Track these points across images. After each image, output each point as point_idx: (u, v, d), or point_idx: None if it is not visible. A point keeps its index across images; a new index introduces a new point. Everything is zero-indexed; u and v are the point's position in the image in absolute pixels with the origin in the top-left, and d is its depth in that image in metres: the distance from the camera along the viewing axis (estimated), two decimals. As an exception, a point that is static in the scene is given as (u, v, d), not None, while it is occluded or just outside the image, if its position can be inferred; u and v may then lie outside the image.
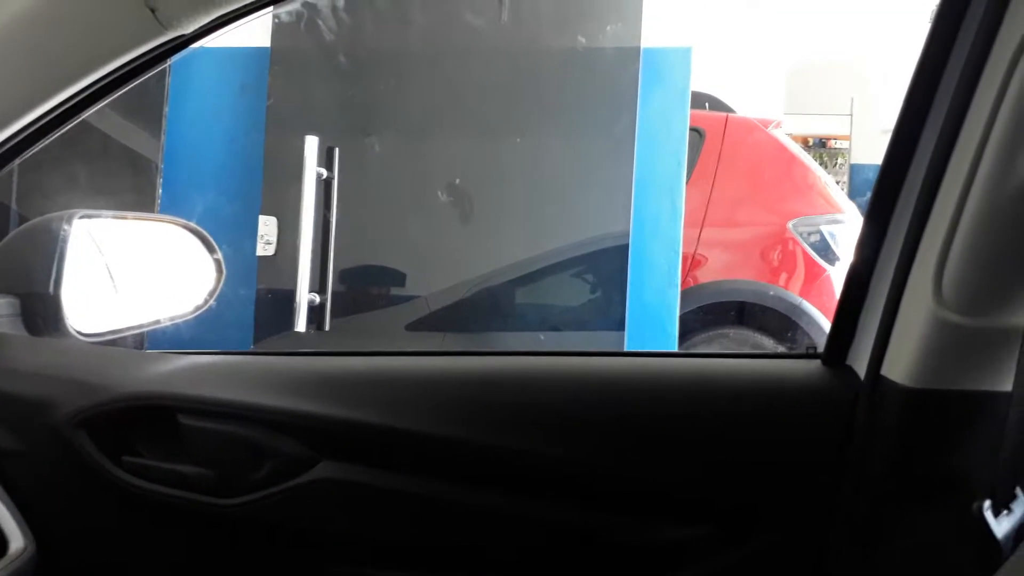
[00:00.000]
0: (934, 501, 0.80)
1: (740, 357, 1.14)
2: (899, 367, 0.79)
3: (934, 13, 0.76)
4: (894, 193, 0.82)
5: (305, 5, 2.88)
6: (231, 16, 0.76)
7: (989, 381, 0.76)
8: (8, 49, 0.74)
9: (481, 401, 0.91)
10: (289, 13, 2.88)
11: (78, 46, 0.75)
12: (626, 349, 2.90)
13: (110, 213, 1.23)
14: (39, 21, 0.72)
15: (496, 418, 0.89)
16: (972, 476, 0.77)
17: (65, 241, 1.08)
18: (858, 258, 0.86)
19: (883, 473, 0.82)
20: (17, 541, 0.83)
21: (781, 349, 3.86)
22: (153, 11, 0.73)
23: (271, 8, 0.78)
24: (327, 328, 2.72)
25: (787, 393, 0.88)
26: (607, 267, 2.93)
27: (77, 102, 0.80)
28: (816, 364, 0.90)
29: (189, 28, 0.76)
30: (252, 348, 2.98)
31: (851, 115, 9.04)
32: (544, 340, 2.97)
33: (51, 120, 0.81)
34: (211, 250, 1.30)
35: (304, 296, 2.64)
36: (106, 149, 3.16)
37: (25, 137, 0.82)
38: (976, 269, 0.73)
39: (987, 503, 0.67)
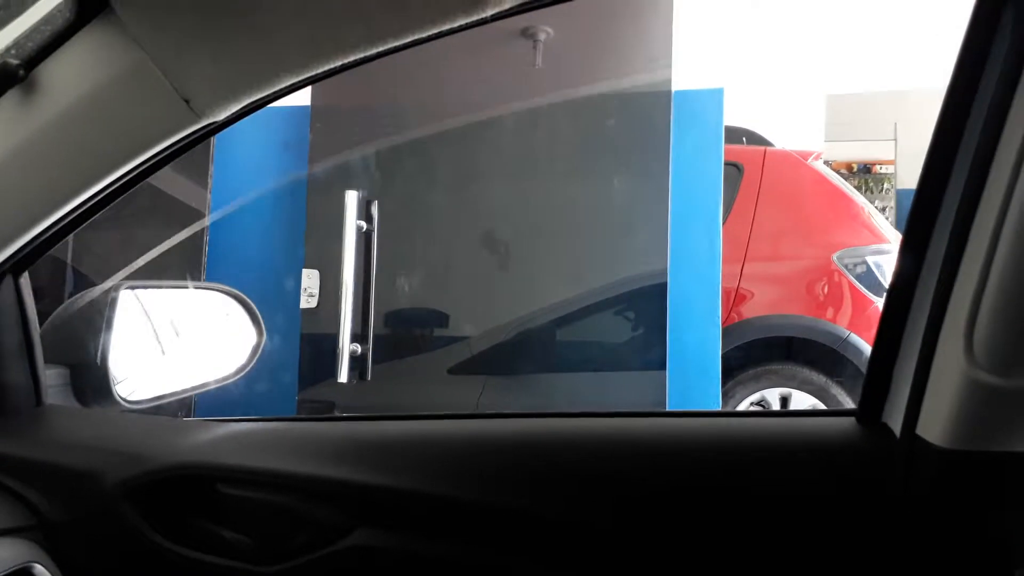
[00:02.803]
0: (973, 567, 0.78)
1: (772, 416, 1.12)
2: (934, 427, 0.77)
3: (957, 59, 0.75)
4: (923, 245, 0.81)
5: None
6: (261, 102, 0.80)
7: None
8: (53, 142, 0.78)
9: (512, 464, 0.91)
10: (327, 72, 2.97)
11: (119, 137, 0.78)
12: (668, 387, 2.87)
13: (155, 283, 1.28)
14: (82, 117, 0.76)
15: (528, 481, 0.89)
16: (1012, 541, 0.75)
17: (112, 312, 1.13)
18: (889, 311, 0.85)
19: (919, 537, 0.79)
20: (65, 612, 0.85)
21: (831, 383, 3.78)
22: (187, 102, 0.76)
23: (298, 90, 0.82)
24: (369, 377, 2.75)
25: (821, 453, 0.86)
26: (646, 307, 2.92)
27: (118, 187, 0.84)
28: (851, 422, 0.88)
29: (221, 116, 0.79)
30: (297, 396, 3.03)
31: (895, 139, 8.91)
32: (585, 381, 2.95)
33: (94, 204, 0.85)
34: (251, 313, 1.34)
35: (346, 347, 2.68)
36: (156, 205, 3.27)
37: (69, 222, 0.86)
38: (1007, 327, 0.71)
39: (1030, 570, 0.65)
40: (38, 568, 0.84)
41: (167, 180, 3.29)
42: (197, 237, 3.21)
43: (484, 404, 2.97)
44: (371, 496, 0.91)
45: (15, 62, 0.74)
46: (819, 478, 0.85)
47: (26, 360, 1.00)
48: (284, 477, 0.92)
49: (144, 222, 3.29)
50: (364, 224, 2.73)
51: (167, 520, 0.93)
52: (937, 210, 0.79)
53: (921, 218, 0.80)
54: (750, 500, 0.85)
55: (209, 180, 3.21)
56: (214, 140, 3.19)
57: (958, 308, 0.75)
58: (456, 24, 0.72)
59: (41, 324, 1.04)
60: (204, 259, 3.19)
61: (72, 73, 0.76)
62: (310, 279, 3.01)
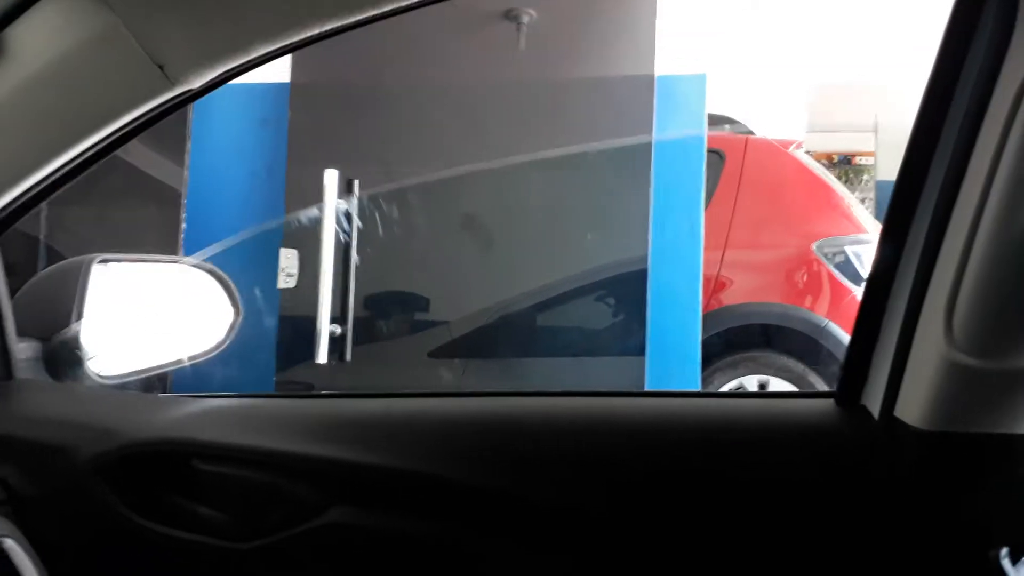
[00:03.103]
0: (950, 548, 0.79)
1: (751, 397, 1.12)
2: (912, 409, 0.78)
3: (937, 52, 0.76)
4: (903, 231, 0.81)
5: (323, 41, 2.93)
6: (237, 70, 0.78)
7: (1005, 424, 0.74)
8: (21, 108, 0.76)
9: (494, 444, 0.91)
10: (307, 48, 2.93)
11: (89, 104, 0.77)
12: (647, 373, 2.89)
13: (129, 256, 1.25)
14: (51, 82, 0.74)
15: (509, 461, 0.89)
16: (989, 522, 0.75)
17: (85, 285, 1.10)
18: (869, 294, 0.85)
19: (897, 518, 0.80)
20: (35, 587, 0.84)
21: (808, 371, 3.81)
22: (161, 68, 0.75)
23: (275, 59, 0.80)
24: (348, 359, 2.74)
25: (799, 435, 0.86)
26: (626, 293, 2.93)
27: (89, 156, 0.82)
28: (829, 404, 0.89)
29: (197, 83, 0.77)
30: (275, 376, 3.01)
31: (875, 131, 8.97)
32: (564, 366, 2.96)
33: (64, 174, 0.83)
34: (228, 290, 1.33)
35: (325, 327, 2.66)
36: (132, 182, 3.23)
37: (39, 191, 0.84)
38: (986, 310, 0.72)
39: (1004, 550, 0.66)
40: (8, 543, 0.83)
41: (143, 157, 3.24)
42: (173, 214, 3.17)
43: (464, 387, 2.97)
44: (348, 474, 0.90)
45: None
46: (797, 459, 0.85)
47: None
48: (260, 453, 0.91)
49: (119, 200, 3.25)
50: (344, 204, 2.71)
51: (140, 496, 0.92)
52: (919, 194, 0.80)
53: (903, 202, 0.81)
54: (728, 481, 0.86)
55: (186, 157, 3.16)
56: (191, 116, 3.14)
57: (938, 291, 0.75)
58: None
59: (12, 296, 1.02)
60: (181, 237, 3.15)
61: (41, 36, 0.74)
62: (288, 259, 2.98)
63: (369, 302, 2.98)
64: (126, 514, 0.91)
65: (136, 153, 3.20)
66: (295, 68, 3.02)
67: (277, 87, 3.05)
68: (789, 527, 0.85)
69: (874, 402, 0.84)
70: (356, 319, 2.80)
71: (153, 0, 0.72)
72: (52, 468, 0.91)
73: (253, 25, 0.73)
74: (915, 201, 0.80)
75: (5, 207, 0.84)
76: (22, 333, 1.04)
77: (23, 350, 1.04)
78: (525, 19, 2.95)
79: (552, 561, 0.88)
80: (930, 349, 0.75)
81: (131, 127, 0.81)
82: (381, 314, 3.04)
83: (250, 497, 0.92)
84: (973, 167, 0.73)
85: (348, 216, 2.73)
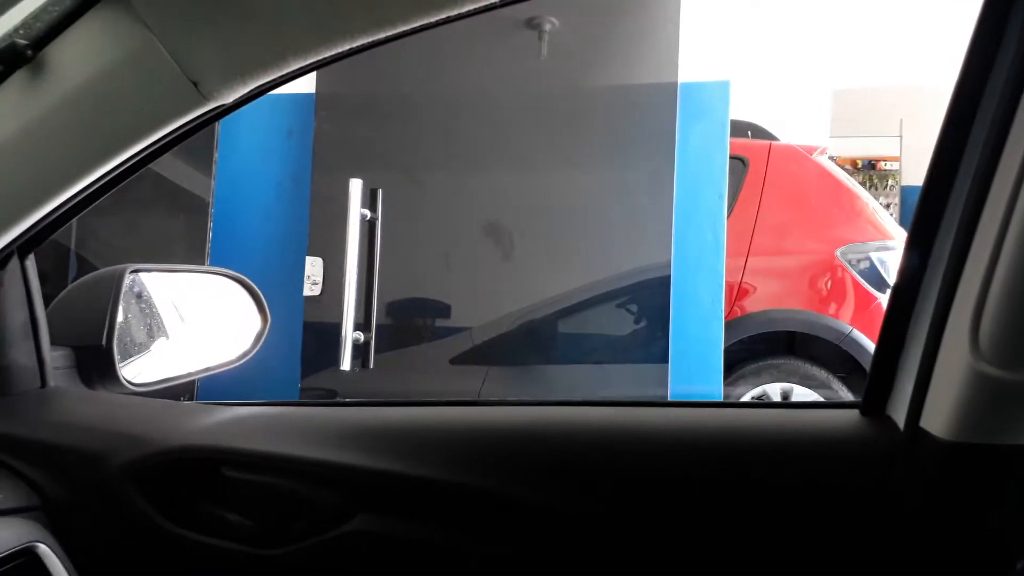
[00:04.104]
0: (975, 560, 0.78)
1: (775, 407, 1.12)
2: (938, 420, 0.77)
3: (965, 56, 0.75)
4: (930, 238, 0.81)
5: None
6: (268, 86, 0.80)
7: None
8: (60, 123, 0.78)
9: (517, 453, 0.91)
10: (332, 60, 2.96)
11: (125, 119, 0.78)
12: (670, 380, 2.87)
13: (160, 266, 1.28)
14: (89, 97, 0.76)
15: (532, 470, 0.89)
16: (1015, 534, 0.75)
17: (117, 294, 1.12)
18: (894, 304, 0.85)
19: (922, 529, 0.80)
20: (68, 591, 0.86)
21: (833, 379, 3.78)
22: (195, 84, 0.76)
23: (305, 75, 0.82)
24: (372, 365, 2.75)
25: (824, 445, 0.86)
26: (649, 300, 2.92)
27: (123, 169, 0.84)
28: (854, 414, 0.88)
29: (229, 99, 0.79)
30: (300, 383, 3.03)
31: (900, 136, 8.89)
32: (586, 373, 2.96)
33: (100, 187, 0.85)
34: (256, 298, 1.34)
35: (349, 335, 2.68)
36: (160, 192, 3.28)
37: (76, 203, 0.86)
38: (1013, 320, 0.71)
39: (1032, 563, 0.65)
40: (42, 548, 0.85)
41: (171, 167, 3.29)
42: (201, 224, 3.21)
43: (485, 395, 2.98)
44: (373, 481, 0.91)
45: (23, 42, 0.74)
46: (822, 470, 0.85)
47: (31, 341, 1.00)
48: (287, 461, 0.92)
49: (148, 209, 3.30)
50: (368, 212, 2.73)
51: (170, 502, 0.94)
52: (944, 203, 0.79)
53: (928, 211, 0.80)
54: (752, 491, 0.85)
55: (213, 167, 3.21)
56: (218, 127, 3.19)
57: (964, 301, 0.75)
58: (464, 10, 0.72)
59: (46, 306, 1.05)
60: (208, 246, 3.19)
61: (80, 54, 0.76)
62: (314, 267, 3.01)
63: (392, 309, 3.00)
64: (156, 520, 0.92)
65: (164, 163, 3.24)
66: (320, 79, 3.05)
67: (303, 97, 3.08)
68: (813, 537, 0.84)
69: (899, 412, 0.83)
70: (379, 326, 2.82)
71: (188, 19, 0.73)
72: (84, 474, 0.93)
73: (285, 42, 0.74)
74: (942, 209, 0.79)
75: (43, 218, 0.86)
76: (56, 342, 1.06)
77: (56, 358, 1.06)
78: (547, 27, 2.95)
79: (577, 570, 0.88)
80: (956, 359, 0.75)
81: (164, 141, 0.82)
82: (404, 321, 3.06)
83: (277, 504, 0.93)
84: (1001, 174, 0.72)
85: (372, 224, 2.75)
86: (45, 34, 0.74)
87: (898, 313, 0.84)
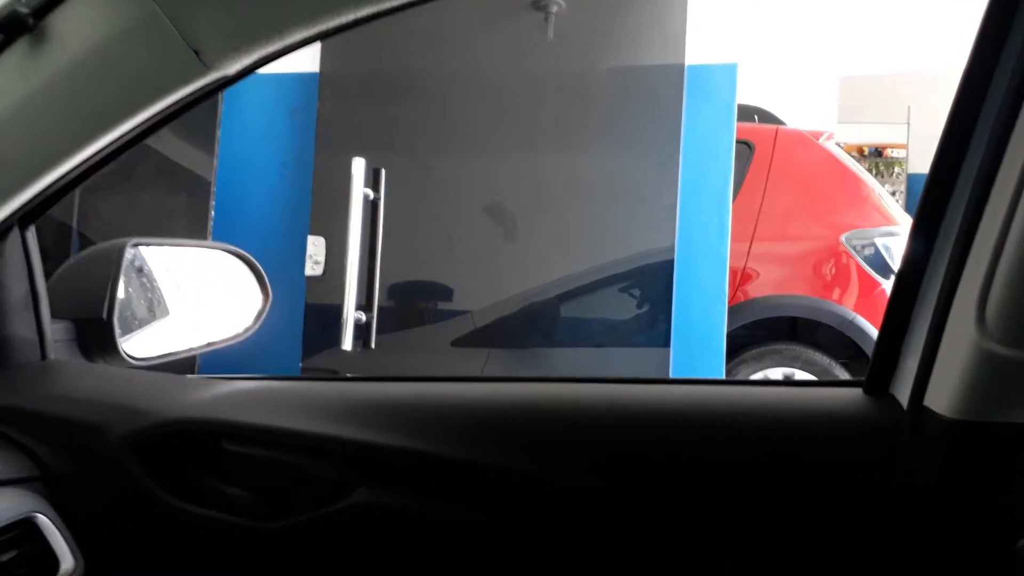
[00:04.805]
0: (978, 537, 0.78)
1: (780, 385, 1.12)
2: (942, 398, 0.77)
3: (974, 43, 0.75)
4: (937, 218, 0.81)
5: (351, 31, 2.95)
6: (271, 56, 0.79)
7: None
8: (61, 93, 0.77)
9: (517, 428, 0.91)
10: (336, 39, 2.95)
11: (127, 89, 0.78)
12: (671, 364, 2.88)
13: (161, 240, 1.27)
14: (90, 67, 0.76)
15: (533, 446, 0.89)
16: (1018, 512, 0.74)
17: (118, 268, 1.12)
18: (900, 284, 0.85)
19: (925, 507, 0.79)
20: (67, 562, 0.86)
21: (835, 364, 3.78)
22: (197, 53, 0.76)
23: (308, 45, 0.81)
24: (373, 346, 2.76)
25: (828, 423, 0.86)
26: (652, 284, 2.91)
27: (125, 141, 0.84)
28: (858, 393, 0.88)
29: (232, 69, 0.78)
30: (301, 363, 3.04)
31: (908, 123, 8.84)
32: (588, 356, 2.96)
33: (101, 158, 0.85)
34: (258, 275, 1.34)
35: (351, 315, 2.68)
36: (163, 171, 3.27)
37: (77, 175, 0.86)
38: (1021, 299, 0.71)
39: (1034, 542, 0.65)
40: (41, 518, 0.85)
41: (174, 146, 3.28)
42: (203, 203, 3.20)
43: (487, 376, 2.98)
44: (373, 455, 0.91)
45: (25, 10, 0.73)
46: (825, 448, 0.85)
47: (32, 314, 1.00)
48: (288, 435, 0.92)
49: (150, 188, 3.29)
50: (371, 192, 2.72)
51: (170, 474, 0.94)
52: (953, 183, 0.79)
53: (937, 190, 0.80)
54: (755, 468, 0.85)
55: (216, 146, 3.19)
56: (221, 106, 3.17)
57: (971, 280, 0.75)
58: None
59: (48, 279, 1.04)
60: (210, 225, 3.19)
61: (81, 22, 0.75)
62: (316, 246, 3.00)
63: (394, 290, 3.00)
64: (156, 492, 0.92)
65: (167, 143, 3.24)
66: (324, 58, 3.03)
67: (306, 76, 3.07)
68: (816, 515, 0.84)
69: (903, 391, 0.83)
70: (381, 307, 2.81)
71: None
72: (84, 446, 0.93)
73: (288, 11, 0.74)
74: (950, 189, 0.79)
75: (44, 190, 0.86)
76: (56, 315, 1.06)
77: (57, 331, 1.06)
78: (554, 8, 2.93)
79: (576, 544, 0.88)
80: (961, 338, 0.74)
81: (166, 113, 0.82)
82: (406, 302, 3.05)
83: (277, 477, 0.93)
84: (1009, 157, 0.72)
85: (375, 204, 2.74)
86: (46, 3, 0.73)
87: (903, 292, 0.84)
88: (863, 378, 0.89)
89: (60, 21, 0.75)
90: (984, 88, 0.75)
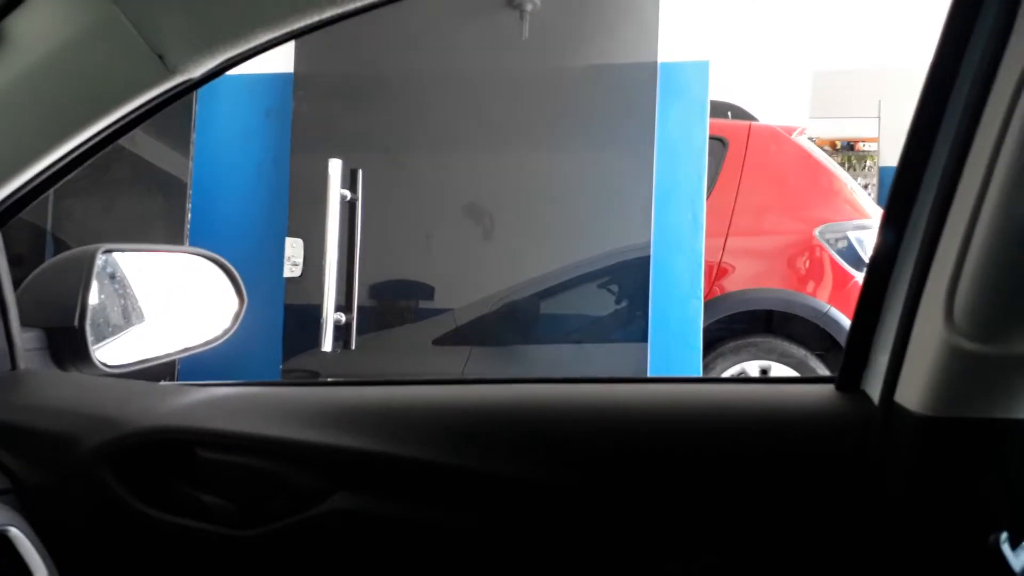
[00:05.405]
0: (949, 532, 0.79)
1: (752, 382, 1.12)
2: (912, 394, 0.78)
3: (940, 37, 0.75)
4: (905, 215, 0.81)
5: (325, 31, 2.93)
6: (237, 59, 0.78)
7: (1005, 409, 0.74)
8: (21, 98, 0.76)
9: (497, 430, 0.91)
10: (309, 38, 2.93)
11: (89, 93, 0.77)
12: (649, 359, 2.89)
13: (133, 246, 1.26)
14: (51, 71, 0.74)
15: (512, 447, 0.89)
16: (988, 507, 0.75)
17: (89, 275, 1.10)
18: (870, 280, 0.85)
19: (896, 503, 0.80)
20: (41, 573, 0.85)
21: (811, 356, 3.82)
22: (161, 57, 0.75)
23: (275, 47, 0.80)
24: (353, 347, 2.74)
25: (799, 420, 0.86)
26: (629, 280, 2.93)
27: (90, 146, 0.83)
28: (829, 389, 0.89)
29: (196, 72, 0.77)
30: (281, 365, 3.02)
31: (879, 117, 8.94)
32: (567, 353, 2.97)
33: (66, 164, 0.84)
34: (232, 278, 1.33)
35: (330, 316, 2.66)
36: (137, 173, 3.24)
37: (41, 182, 0.84)
38: (988, 294, 0.72)
39: (1004, 535, 0.66)
40: (13, 531, 0.84)
41: (149, 148, 3.24)
42: (179, 205, 3.17)
43: (468, 375, 2.98)
44: (352, 460, 0.91)
45: None
46: (797, 444, 0.85)
47: (1, 322, 0.98)
48: (263, 441, 0.92)
49: (125, 191, 3.26)
50: (348, 193, 2.71)
51: (145, 484, 0.93)
52: (920, 181, 0.80)
53: (904, 189, 0.81)
54: (728, 466, 0.86)
55: (191, 148, 3.16)
56: (196, 107, 3.14)
57: (939, 276, 0.75)
58: None
59: (17, 287, 1.03)
60: (187, 227, 3.16)
61: (41, 26, 0.74)
62: (294, 248, 2.98)
63: (374, 291, 2.99)
64: (130, 502, 0.91)
65: (141, 144, 3.21)
66: (298, 58, 3.01)
67: (281, 77, 3.04)
68: (789, 511, 0.85)
69: (874, 387, 0.84)
70: (361, 307, 2.80)
71: None
72: (56, 457, 0.92)
73: (252, 13, 0.73)
74: (916, 186, 0.79)
75: (7, 197, 0.85)
76: (27, 323, 1.04)
77: (28, 340, 1.04)
78: (528, 7, 2.93)
79: (556, 544, 0.89)
80: (931, 334, 0.75)
81: (131, 117, 0.81)
82: (385, 303, 3.04)
83: (254, 485, 0.92)
84: (975, 153, 0.73)
85: (352, 205, 2.73)
86: (4, 5, 0.72)
87: (873, 289, 0.85)
88: (835, 374, 0.90)
89: (19, 24, 0.73)
90: (950, 84, 0.75)
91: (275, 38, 0.75)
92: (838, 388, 0.89)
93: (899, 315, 0.80)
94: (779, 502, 0.85)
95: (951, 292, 0.74)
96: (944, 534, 0.79)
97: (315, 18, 0.73)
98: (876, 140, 9.21)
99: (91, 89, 0.76)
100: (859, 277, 3.76)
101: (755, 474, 0.86)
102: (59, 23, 0.73)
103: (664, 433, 0.89)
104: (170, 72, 0.76)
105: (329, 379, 2.90)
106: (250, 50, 0.77)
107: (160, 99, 0.79)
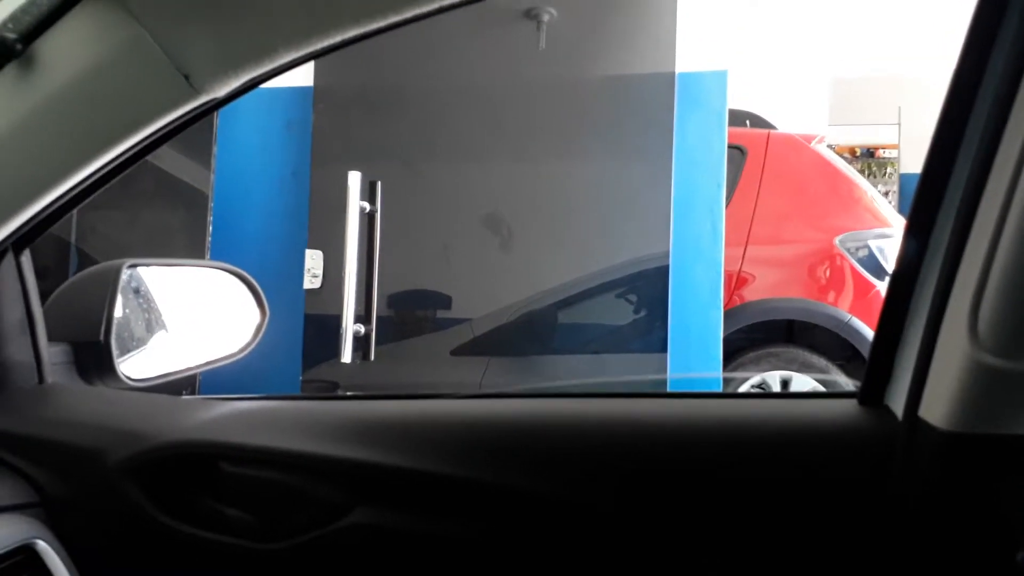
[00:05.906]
0: (974, 550, 0.78)
1: (774, 397, 1.12)
2: (936, 410, 0.77)
3: (963, 43, 0.75)
4: (928, 227, 0.80)
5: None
6: (260, 78, 0.79)
7: None
8: (51, 118, 0.77)
9: (516, 445, 0.91)
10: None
11: (116, 114, 0.78)
12: (668, 369, 2.88)
13: (157, 261, 1.27)
14: (79, 92, 0.76)
15: (531, 462, 0.89)
16: (1014, 524, 0.74)
17: (115, 289, 1.12)
18: (893, 292, 0.85)
19: (921, 520, 0.79)
20: (68, 587, 0.86)
21: (832, 366, 3.79)
22: (187, 78, 0.76)
23: (298, 67, 0.81)
24: (372, 357, 2.76)
25: (823, 435, 0.86)
26: (648, 290, 2.92)
27: (116, 164, 0.84)
28: (852, 404, 0.88)
29: (221, 92, 0.79)
30: (301, 376, 3.04)
31: (899, 124, 8.86)
32: (586, 363, 2.96)
33: (92, 182, 0.85)
34: (254, 292, 1.34)
35: (350, 327, 2.68)
36: (160, 186, 3.28)
37: (69, 199, 0.86)
38: (1012, 310, 0.71)
39: (1030, 551, 0.65)
40: (40, 545, 0.85)
41: (171, 161, 3.29)
42: (201, 217, 3.21)
43: (486, 385, 2.98)
44: (372, 475, 0.91)
45: (12, 36, 0.73)
46: (820, 460, 0.85)
47: (28, 337, 1.00)
48: (286, 455, 0.92)
49: (148, 204, 3.30)
50: (367, 205, 2.72)
51: (169, 498, 0.94)
52: (942, 193, 0.79)
53: (926, 201, 0.80)
54: (750, 481, 0.85)
55: (212, 161, 3.20)
56: (217, 121, 3.18)
57: (962, 290, 0.75)
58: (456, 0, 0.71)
59: (43, 302, 1.04)
60: (208, 240, 3.19)
61: (70, 48, 0.75)
62: (314, 260, 3.01)
63: (392, 301, 3.00)
64: (155, 516, 0.92)
65: (164, 158, 3.25)
66: (317, 72, 3.04)
67: (301, 90, 3.08)
68: (811, 527, 0.84)
69: (898, 402, 0.83)
70: (380, 318, 2.82)
71: (178, 12, 0.73)
72: (82, 471, 0.93)
73: (277, 33, 0.74)
74: (940, 197, 0.79)
75: (36, 215, 0.86)
76: (53, 337, 1.06)
77: (54, 354, 1.06)
78: (545, 18, 2.95)
79: (573, 560, 0.88)
80: (955, 349, 0.74)
81: (157, 136, 0.82)
82: (404, 313, 3.06)
83: (276, 498, 0.93)
84: (999, 162, 0.72)
85: (371, 217, 2.74)
86: (34, 28, 0.73)
87: (896, 302, 0.84)
88: (858, 388, 0.89)
89: (48, 46, 0.75)
90: (974, 90, 0.74)
91: (298, 58, 0.76)
92: (861, 403, 0.88)
93: (922, 328, 0.79)
94: (802, 519, 0.84)
95: (975, 306, 0.73)
96: (969, 552, 0.78)
97: (337, 38, 0.74)
98: (896, 147, 9.13)
99: (118, 109, 0.78)
100: (880, 286, 3.72)
101: (777, 490, 0.85)
102: (88, 46, 0.74)
103: (682, 449, 0.88)
104: (196, 92, 0.77)
105: (348, 393, 2.91)
106: (274, 69, 0.78)
107: (185, 118, 0.80)
